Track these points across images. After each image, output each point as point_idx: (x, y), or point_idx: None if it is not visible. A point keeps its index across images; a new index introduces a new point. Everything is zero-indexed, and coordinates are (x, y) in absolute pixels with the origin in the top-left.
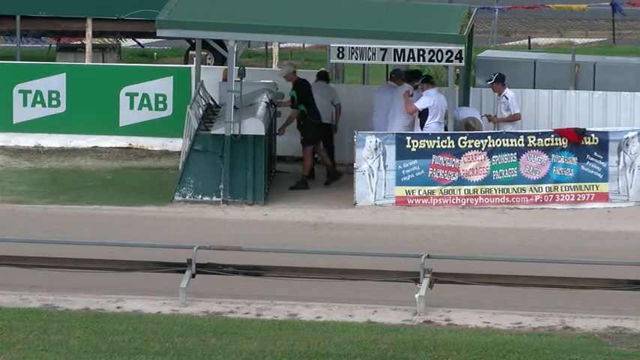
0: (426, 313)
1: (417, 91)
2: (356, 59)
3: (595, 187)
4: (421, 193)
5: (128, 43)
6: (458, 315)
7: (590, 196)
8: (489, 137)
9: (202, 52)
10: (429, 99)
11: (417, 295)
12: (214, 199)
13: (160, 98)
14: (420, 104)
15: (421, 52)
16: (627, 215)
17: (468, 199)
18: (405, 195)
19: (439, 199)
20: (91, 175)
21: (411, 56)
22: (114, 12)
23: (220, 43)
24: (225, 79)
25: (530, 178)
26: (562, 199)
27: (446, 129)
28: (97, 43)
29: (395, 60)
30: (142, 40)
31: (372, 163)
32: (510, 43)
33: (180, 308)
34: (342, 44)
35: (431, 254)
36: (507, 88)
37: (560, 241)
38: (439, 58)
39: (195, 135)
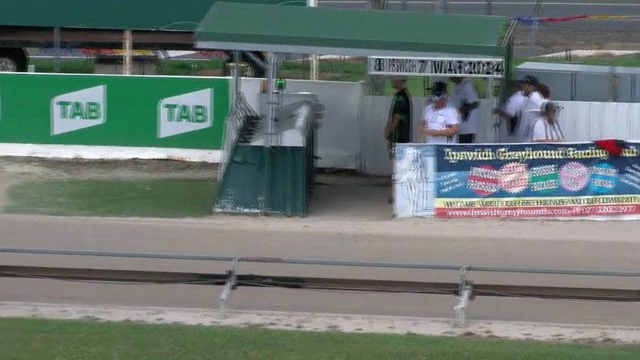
0: (466, 325)
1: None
2: (394, 71)
3: (635, 198)
4: (461, 204)
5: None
6: (498, 327)
7: (630, 208)
8: (529, 149)
9: (241, 64)
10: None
11: (457, 307)
12: (254, 210)
13: (199, 110)
14: (453, 120)
15: (459, 65)
16: None
17: (507, 211)
18: (445, 207)
19: (479, 211)
20: (130, 187)
21: (450, 68)
22: (152, 24)
23: (259, 54)
24: (263, 91)
25: (570, 190)
26: (602, 211)
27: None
28: (138, 55)
29: (433, 72)
30: (179, 52)
31: (411, 174)
32: (549, 55)
33: (221, 320)
34: (381, 56)
35: (471, 266)
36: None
37: (600, 253)
38: (478, 70)
39: (234, 147)
